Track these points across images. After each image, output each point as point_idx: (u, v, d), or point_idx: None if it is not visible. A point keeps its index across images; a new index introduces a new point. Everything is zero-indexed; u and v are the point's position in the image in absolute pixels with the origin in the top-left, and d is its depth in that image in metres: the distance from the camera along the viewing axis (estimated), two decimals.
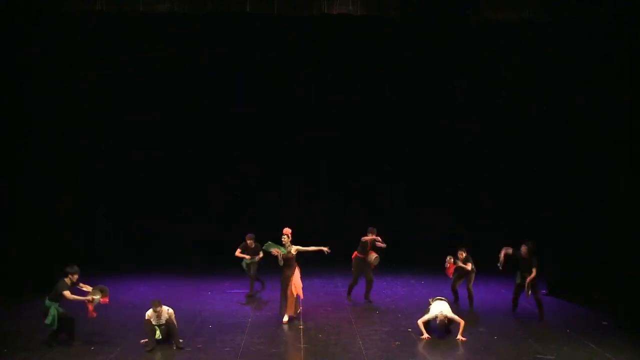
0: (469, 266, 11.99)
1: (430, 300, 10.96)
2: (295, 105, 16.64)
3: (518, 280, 11.49)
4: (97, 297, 10.17)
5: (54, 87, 13.74)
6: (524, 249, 11.23)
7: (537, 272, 11.16)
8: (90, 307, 10.09)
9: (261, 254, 12.58)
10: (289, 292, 11.42)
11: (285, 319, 11.40)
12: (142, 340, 10.06)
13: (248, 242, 12.87)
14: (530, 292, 11.31)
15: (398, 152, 17.00)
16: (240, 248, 12.91)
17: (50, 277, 13.16)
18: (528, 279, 11.21)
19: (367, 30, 14.91)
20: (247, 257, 12.89)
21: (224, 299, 13.01)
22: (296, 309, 11.56)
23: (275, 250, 11.41)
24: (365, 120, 16.77)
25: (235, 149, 16.80)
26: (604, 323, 11.53)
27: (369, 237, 12.40)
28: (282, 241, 11.42)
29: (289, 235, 11.45)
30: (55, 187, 13.97)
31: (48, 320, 10.04)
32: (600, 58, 12.41)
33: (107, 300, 10.34)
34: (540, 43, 13.81)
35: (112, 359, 9.47)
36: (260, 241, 12.28)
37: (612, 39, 12.14)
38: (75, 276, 10.24)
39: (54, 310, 10.03)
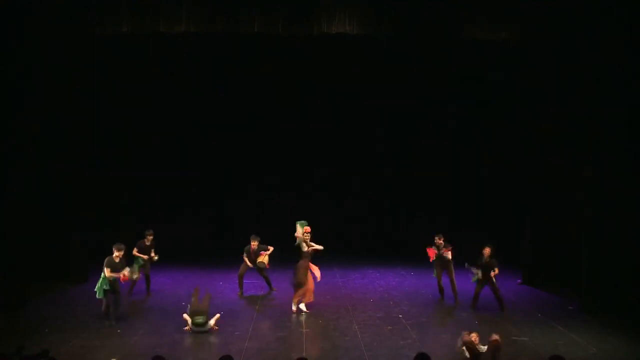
0: (449, 254, 12.22)
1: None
2: (302, 117, 17.11)
3: (477, 279, 11.85)
4: (128, 274, 11.05)
5: (65, 101, 13.79)
6: (487, 251, 11.66)
7: (498, 270, 11.65)
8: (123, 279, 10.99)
9: (265, 260, 12.87)
10: (308, 282, 11.84)
11: (302, 307, 11.85)
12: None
13: (252, 244, 13.03)
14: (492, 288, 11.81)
15: (393, 156, 17.50)
16: (245, 252, 13.10)
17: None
18: (492, 274, 11.60)
19: (363, 47, 15.32)
20: (248, 262, 13.03)
21: (234, 289, 13.42)
22: (309, 296, 11.99)
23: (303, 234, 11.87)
24: (362, 126, 17.35)
25: (243, 152, 17.26)
26: (569, 308, 12.41)
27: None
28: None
29: (309, 233, 12.02)
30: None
31: (98, 294, 10.90)
32: (564, 73, 13.28)
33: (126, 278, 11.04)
34: (515, 59, 14.51)
35: (135, 340, 10.20)
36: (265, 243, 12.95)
37: (574, 57, 12.96)
38: (121, 252, 10.95)
39: (100, 282, 10.84)
